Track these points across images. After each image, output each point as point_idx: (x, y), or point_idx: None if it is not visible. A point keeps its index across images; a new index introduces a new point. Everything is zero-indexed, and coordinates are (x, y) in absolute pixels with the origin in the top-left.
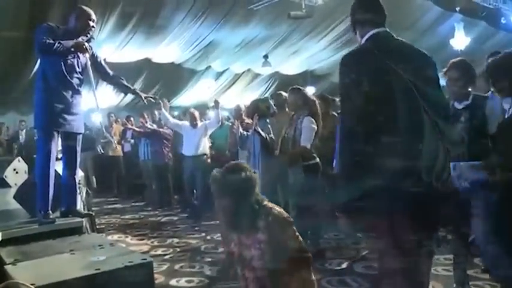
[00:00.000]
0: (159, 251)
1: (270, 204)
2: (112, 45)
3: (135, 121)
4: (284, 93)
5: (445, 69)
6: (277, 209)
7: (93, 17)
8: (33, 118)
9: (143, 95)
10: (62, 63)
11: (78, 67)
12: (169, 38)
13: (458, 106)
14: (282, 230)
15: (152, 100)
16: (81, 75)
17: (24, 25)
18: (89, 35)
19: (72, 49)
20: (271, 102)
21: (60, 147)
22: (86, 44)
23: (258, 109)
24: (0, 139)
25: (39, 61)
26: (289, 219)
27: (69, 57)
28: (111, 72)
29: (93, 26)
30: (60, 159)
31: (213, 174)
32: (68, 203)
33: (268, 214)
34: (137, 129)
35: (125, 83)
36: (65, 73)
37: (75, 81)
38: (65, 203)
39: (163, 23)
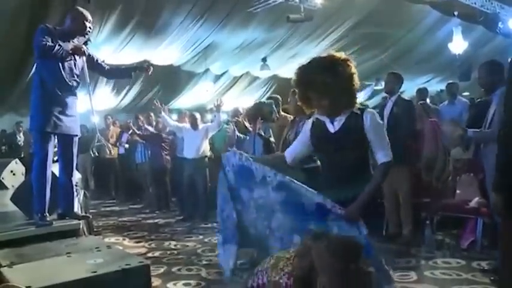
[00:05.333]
0: (156, 254)
1: None
2: (110, 47)
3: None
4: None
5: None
6: None
7: (89, 18)
8: (29, 120)
9: (146, 64)
10: (60, 65)
11: (76, 69)
12: (168, 40)
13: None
14: None
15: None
16: (78, 77)
17: (23, 26)
18: (86, 36)
19: (71, 52)
20: (274, 106)
21: (56, 149)
22: (84, 47)
23: (261, 112)
24: None
25: (36, 63)
26: None
27: (67, 59)
28: (107, 67)
29: (90, 27)
30: (57, 161)
31: None
32: (65, 205)
33: None
34: (137, 131)
35: (124, 67)
36: (62, 75)
37: (72, 83)
38: (62, 205)
39: (162, 25)
